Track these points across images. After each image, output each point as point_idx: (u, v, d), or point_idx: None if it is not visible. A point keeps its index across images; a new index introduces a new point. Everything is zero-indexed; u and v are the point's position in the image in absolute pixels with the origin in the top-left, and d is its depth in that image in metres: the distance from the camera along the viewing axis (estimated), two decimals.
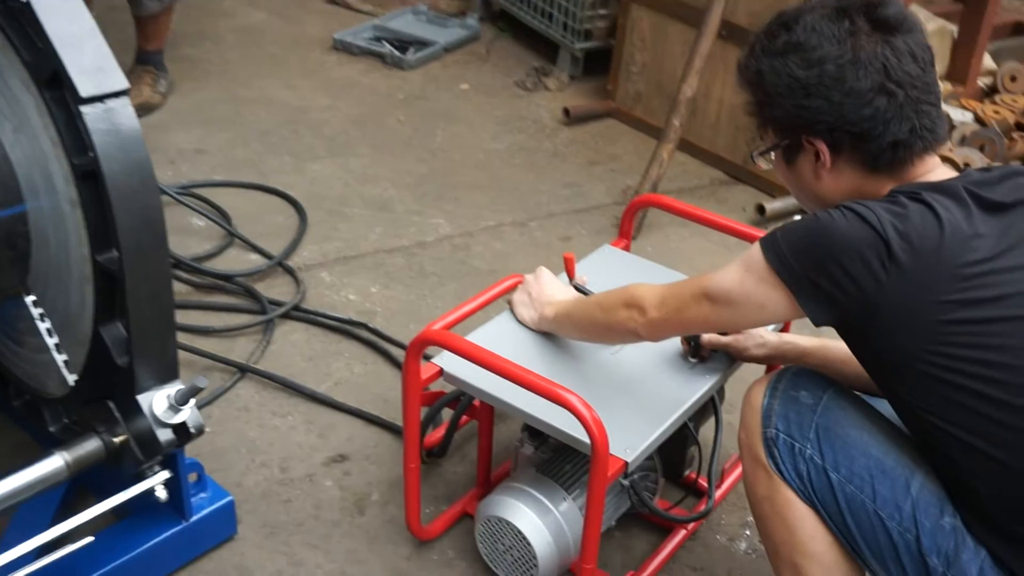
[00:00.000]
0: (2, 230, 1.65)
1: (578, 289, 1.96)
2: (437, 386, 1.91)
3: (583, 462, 1.87)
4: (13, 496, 1.56)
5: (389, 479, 2.13)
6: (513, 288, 2.00)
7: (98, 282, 1.60)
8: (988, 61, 3.92)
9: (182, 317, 2.51)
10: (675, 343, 1.88)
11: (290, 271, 2.76)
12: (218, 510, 1.91)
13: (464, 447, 2.23)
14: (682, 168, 3.50)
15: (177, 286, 2.63)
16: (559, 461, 1.89)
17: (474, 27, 4.45)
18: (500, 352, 1.71)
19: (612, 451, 1.59)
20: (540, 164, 3.51)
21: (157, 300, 1.63)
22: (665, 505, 2.01)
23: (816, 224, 1.39)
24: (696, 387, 1.81)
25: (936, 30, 3.78)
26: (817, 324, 1.42)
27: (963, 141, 3.43)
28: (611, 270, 2.10)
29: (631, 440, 1.66)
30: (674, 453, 2.00)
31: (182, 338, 2.40)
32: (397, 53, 4.15)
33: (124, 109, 1.54)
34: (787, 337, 1.85)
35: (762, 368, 1.97)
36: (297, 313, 2.60)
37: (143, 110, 3.46)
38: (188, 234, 2.89)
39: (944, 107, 1.60)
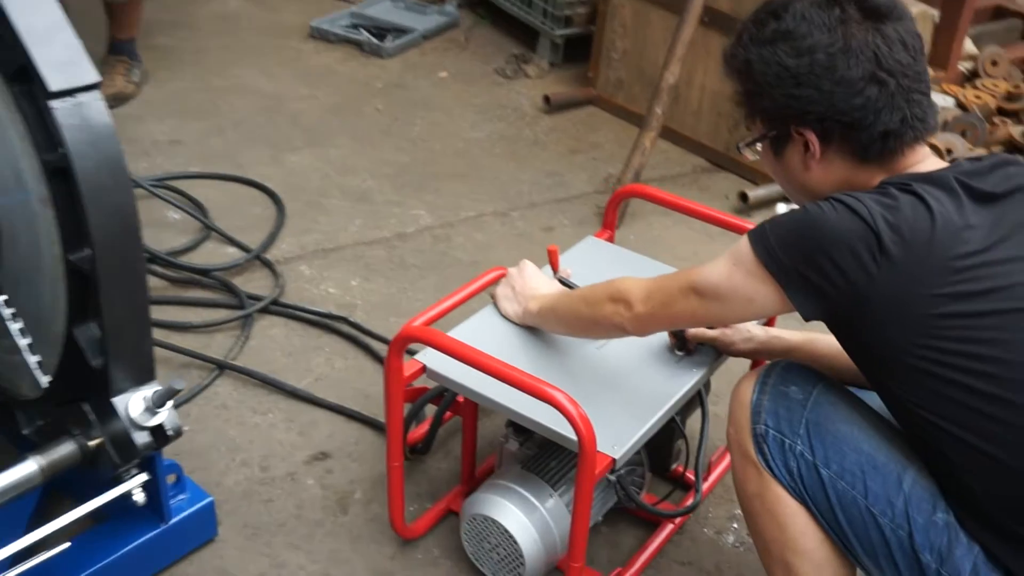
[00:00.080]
0: None
1: (562, 282, 1.93)
2: (420, 382, 1.87)
3: (569, 458, 1.85)
4: None
5: (372, 477, 2.09)
6: (496, 281, 1.97)
7: (71, 282, 1.55)
8: (969, 45, 3.91)
9: (158, 313, 2.47)
10: (661, 337, 1.85)
11: (268, 264, 2.72)
12: (198, 512, 1.87)
13: (448, 443, 2.20)
14: (664, 156, 3.48)
15: (153, 281, 2.58)
16: (545, 457, 1.86)
17: (453, 14, 4.40)
18: (484, 347, 1.69)
19: (599, 448, 1.56)
20: (521, 153, 3.48)
21: (132, 300, 1.59)
22: (652, 499, 1.99)
23: (805, 217, 1.37)
24: (683, 381, 1.78)
25: (918, 14, 3.76)
26: (807, 318, 1.40)
27: (945, 126, 3.42)
28: (595, 262, 2.07)
29: (618, 436, 1.63)
30: (661, 447, 1.98)
31: (158, 334, 2.36)
32: (375, 41, 4.10)
33: (95, 103, 1.50)
34: (774, 331, 1.83)
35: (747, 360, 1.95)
36: (276, 307, 2.56)
37: (116, 100, 3.40)
38: (163, 227, 2.84)
39: None
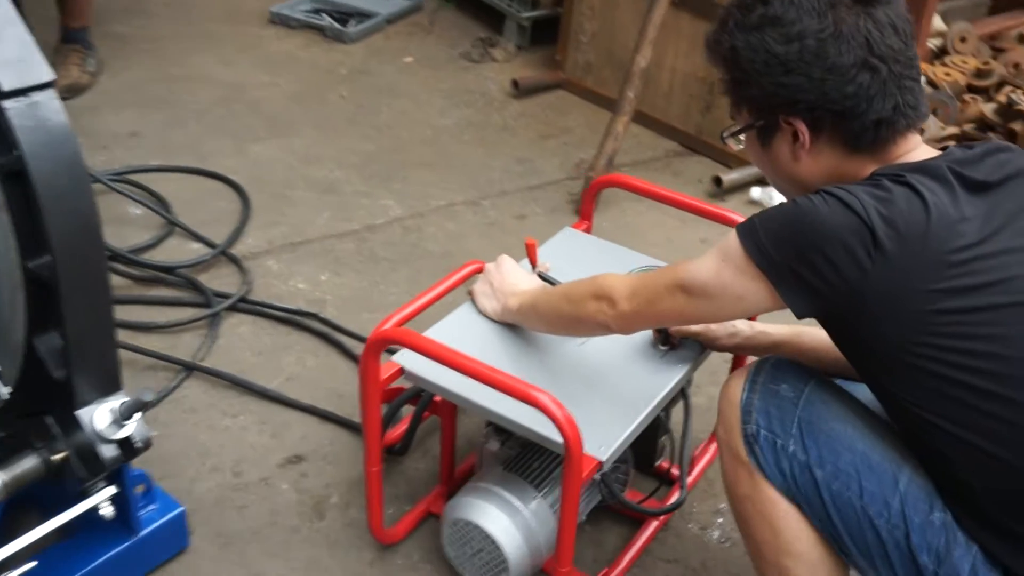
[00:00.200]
0: None
1: (542, 277, 1.88)
2: (397, 381, 1.82)
3: (552, 457, 1.80)
4: None
5: (348, 479, 2.04)
6: (472, 275, 1.92)
7: (30, 290, 1.48)
8: (938, 22, 3.89)
9: (121, 313, 2.38)
10: (644, 332, 1.81)
11: (235, 260, 2.64)
12: (168, 522, 1.81)
13: (426, 442, 2.14)
14: (636, 140, 3.43)
15: (115, 280, 2.50)
16: (527, 457, 1.82)
17: None
18: (463, 346, 1.64)
19: (585, 450, 1.52)
20: (490, 139, 3.41)
21: (95, 308, 1.52)
22: (635, 496, 1.95)
23: (796, 211, 1.32)
24: (667, 378, 1.74)
25: None
26: (799, 316, 1.35)
27: None
28: (574, 254, 2.02)
29: (604, 437, 1.59)
30: (645, 444, 1.94)
31: (122, 336, 2.28)
32: (337, 25, 4.01)
33: (51, 103, 1.43)
34: (759, 326, 1.79)
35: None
36: (244, 305, 2.49)
37: (71, 92, 3.29)
38: (124, 224, 2.74)
39: None
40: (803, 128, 1.38)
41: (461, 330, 1.80)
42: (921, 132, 1.43)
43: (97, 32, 3.55)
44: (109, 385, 1.56)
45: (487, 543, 1.72)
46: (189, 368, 2.27)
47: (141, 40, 3.79)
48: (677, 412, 1.91)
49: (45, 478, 1.56)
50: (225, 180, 2.98)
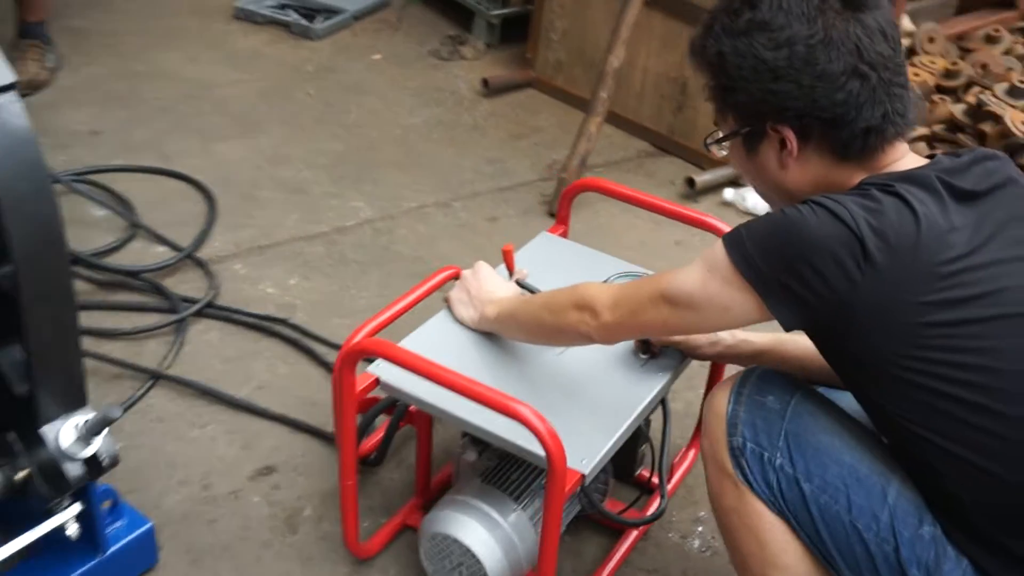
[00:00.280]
0: None
1: (520, 284, 1.85)
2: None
3: (531, 468, 1.77)
4: None
5: (322, 491, 1.99)
6: (447, 281, 1.87)
7: None
8: (906, 22, 3.90)
9: (84, 319, 2.30)
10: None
11: (201, 264, 2.58)
12: (137, 539, 1.75)
13: (400, 451, 2.10)
14: (608, 140, 3.40)
15: (76, 284, 2.41)
16: (505, 468, 1.78)
17: None
18: (439, 356, 1.60)
19: (568, 463, 1.48)
20: (460, 139, 3.37)
21: (59, 319, 1.46)
22: (615, 506, 1.93)
23: (784, 222, 1.30)
24: (649, 387, 1.71)
25: None
26: (787, 328, 1.33)
27: None
28: (552, 260, 1.99)
29: (586, 449, 1.56)
30: (625, 453, 1.91)
31: (84, 343, 2.20)
32: (304, 22, 3.94)
33: (11, 106, 1.37)
34: (741, 334, 1.76)
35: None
36: (211, 310, 2.43)
37: (29, 88, 3.19)
38: (86, 226, 2.67)
39: None
40: (791, 136, 1.35)
41: (437, 339, 1.76)
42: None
43: (56, 27, 3.47)
44: (74, 400, 1.50)
45: (467, 557, 1.69)
46: (155, 376, 2.21)
47: (102, 35, 3.70)
48: (655, 418, 1.88)
49: (8, 496, 1.50)
50: (190, 180, 2.91)
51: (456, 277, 1.87)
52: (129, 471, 1.96)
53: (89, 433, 1.46)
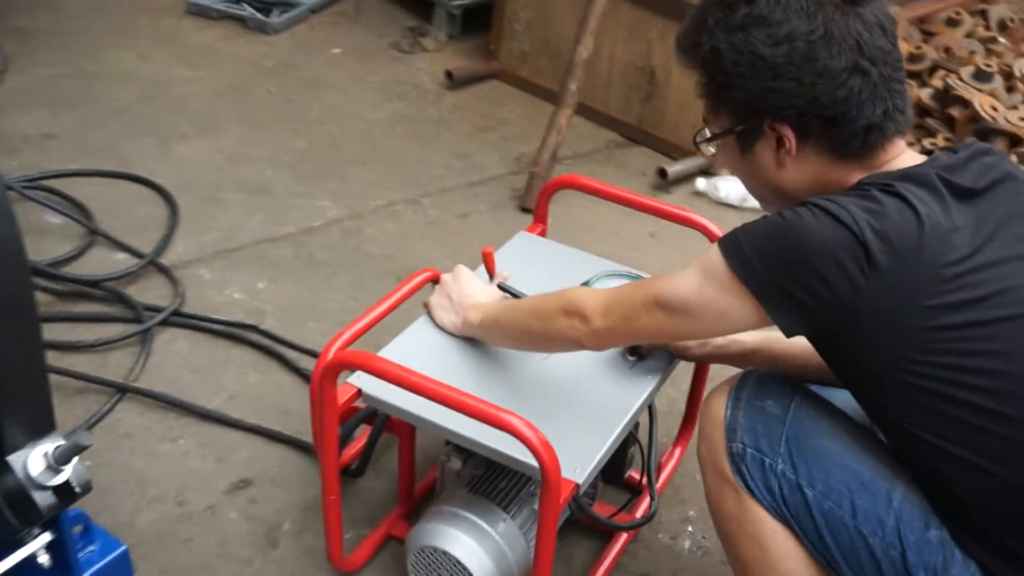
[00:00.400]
0: None
1: (502, 288, 1.79)
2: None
3: (519, 475, 1.72)
4: None
5: (302, 503, 1.93)
6: (424, 284, 1.82)
7: None
8: None
9: (44, 332, 2.21)
10: None
11: (165, 270, 2.50)
12: (111, 563, 1.66)
13: (381, 459, 2.04)
14: (576, 132, 3.34)
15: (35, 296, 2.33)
16: (493, 477, 1.73)
17: None
18: (422, 365, 1.55)
19: (562, 473, 1.44)
20: (426, 133, 3.30)
21: (22, 341, 1.39)
22: (602, 509, 1.89)
23: (784, 225, 1.26)
24: (639, 390, 1.67)
25: None
26: (788, 334, 1.29)
27: None
28: (532, 260, 1.94)
29: (579, 458, 1.52)
30: (615, 456, 1.87)
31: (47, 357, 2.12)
32: (259, 15, 3.84)
33: None
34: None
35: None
36: (177, 319, 2.35)
37: None
38: (42, 234, 2.57)
39: None
40: (789, 134, 1.31)
41: (418, 347, 1.71)
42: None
43: (0, 27, 3.34)
44: (42, 426, 1.42)
45: (457, 570, 1.64)
46: (122, 390, 2.13)
47: (49, 34, 3.58)
48: (640, 418, 1.84)
49: None
50: (150, 184, 2.82)
51: (434, 280, 1.81)
52: (99, 490, 1.87)
53: (59, 461, 1.38)
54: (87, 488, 1.44)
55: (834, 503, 1.33)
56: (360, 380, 1.61)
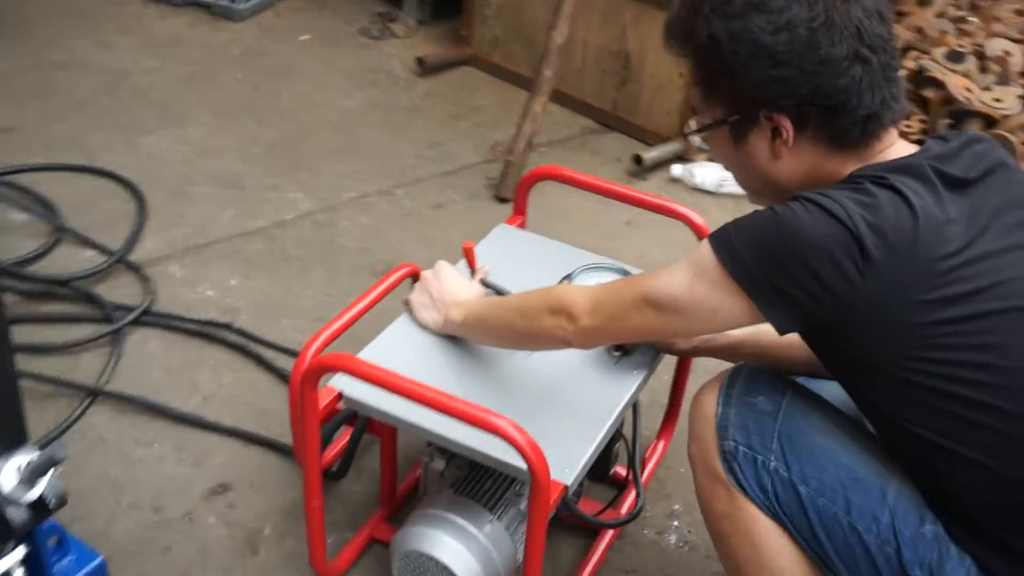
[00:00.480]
0: None
1: (485, 284, 1.76)
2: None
3: (503, 476, 1.69)
4: None
5: (282, 507, 1.89)
6: (403, 280, 1.78)
7: None
8: None
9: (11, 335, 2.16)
10: None
11: (135, 268, 2.44)
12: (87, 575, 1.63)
13: (361, 460, 2.01)
14: (550, 118, 3.30)
15: None
16: (478, 477, 1.70)
17: None
18: (404, 366, 1.53)
19: (551, 476, 1.41)
20: (398, 122, 3.25)
21: None
22: (588, 505, 1.87)
23: (776, 220, 1.23)
24: (625, 387, 1.64)
25: None
26: (782, 332, 1.27)
27: None
28: (513, 254, 1.91)
29: (567, 458, 1.49)
30: (601, 454, 1.84)
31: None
32: (225, 2, 3.77)
33: None
34: None
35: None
36: (149, 318, 2.29)
37: None
38: (5, 232, 2.51)
39: None
40: (787, 124, 1.28)
41: (400, 347, 1.67)
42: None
43: None
44: (14, 439, 1.37)
45: (444, 574, 1.61)
46: (93, 393, 2.08)
47: (5, 23, 3.49)
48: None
49: None
50: (116, 178, 2.76)
51: (413, 276, 1.78)
52: (72, 498, 1.81)
53: (33, 475, 1.33)
54: (63, 502, 1.39)
55: (828, 500, 1.31)
56: (341, 383, 1.58)
